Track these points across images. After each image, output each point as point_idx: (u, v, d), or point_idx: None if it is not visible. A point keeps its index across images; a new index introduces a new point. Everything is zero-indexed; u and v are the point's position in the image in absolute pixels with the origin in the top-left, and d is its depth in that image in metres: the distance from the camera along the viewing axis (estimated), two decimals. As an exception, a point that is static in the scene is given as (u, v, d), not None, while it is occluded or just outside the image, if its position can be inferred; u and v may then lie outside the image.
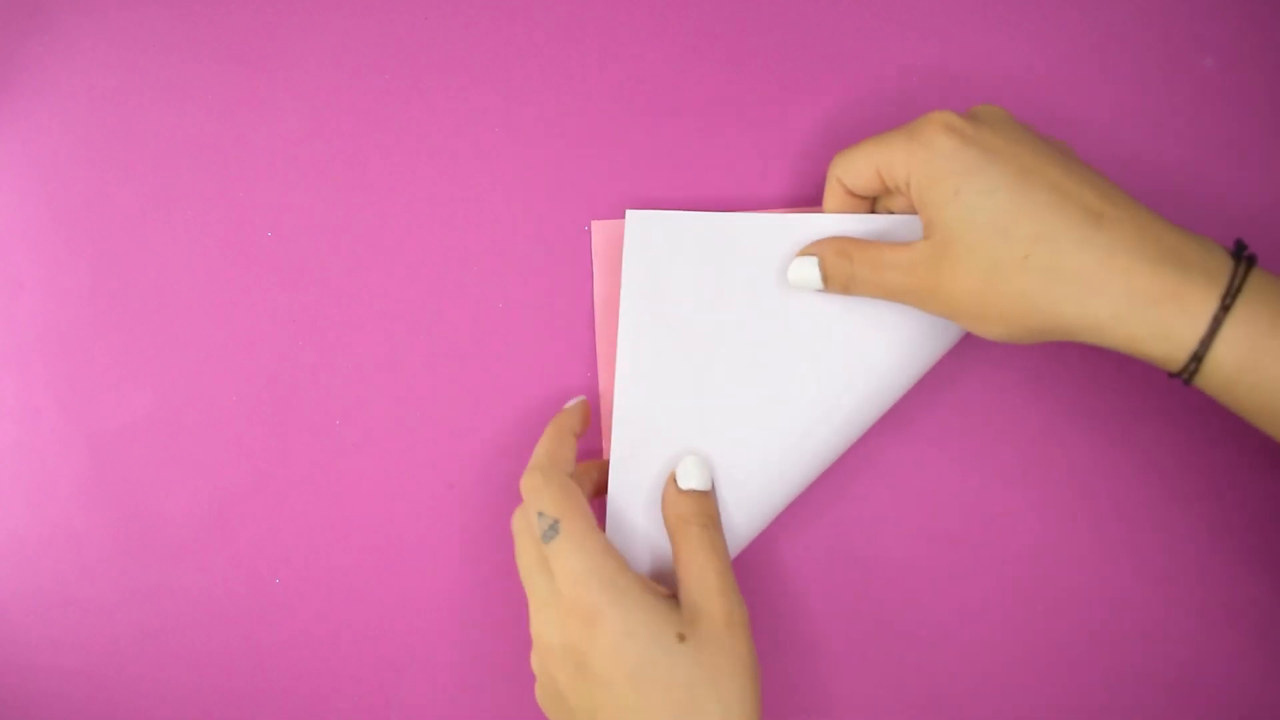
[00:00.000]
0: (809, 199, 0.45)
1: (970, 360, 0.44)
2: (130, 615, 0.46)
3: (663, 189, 0.45)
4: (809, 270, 0.39)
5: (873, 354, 0.42)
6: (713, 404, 0.43)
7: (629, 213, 0.43)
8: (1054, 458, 0.44)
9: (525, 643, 0.45)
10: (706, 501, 0.39)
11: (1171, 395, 0.44)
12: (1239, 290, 0.32)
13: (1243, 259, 0.33)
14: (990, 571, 0.44)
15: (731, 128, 0.45)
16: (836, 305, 0.42)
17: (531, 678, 0.45)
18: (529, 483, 0.38)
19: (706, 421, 0.43)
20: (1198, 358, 0.32)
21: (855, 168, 0.38)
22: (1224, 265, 0.32)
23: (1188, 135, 0.44)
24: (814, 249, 0.39)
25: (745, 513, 0.43)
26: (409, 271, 0.46)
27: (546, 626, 0.36)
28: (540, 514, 0.36)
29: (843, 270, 0.38)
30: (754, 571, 0.44)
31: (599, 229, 0.45)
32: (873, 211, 0.41)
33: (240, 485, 0.46)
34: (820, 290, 0.39)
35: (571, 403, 0.43)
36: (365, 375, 0.46)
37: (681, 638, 0.34)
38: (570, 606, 0.35)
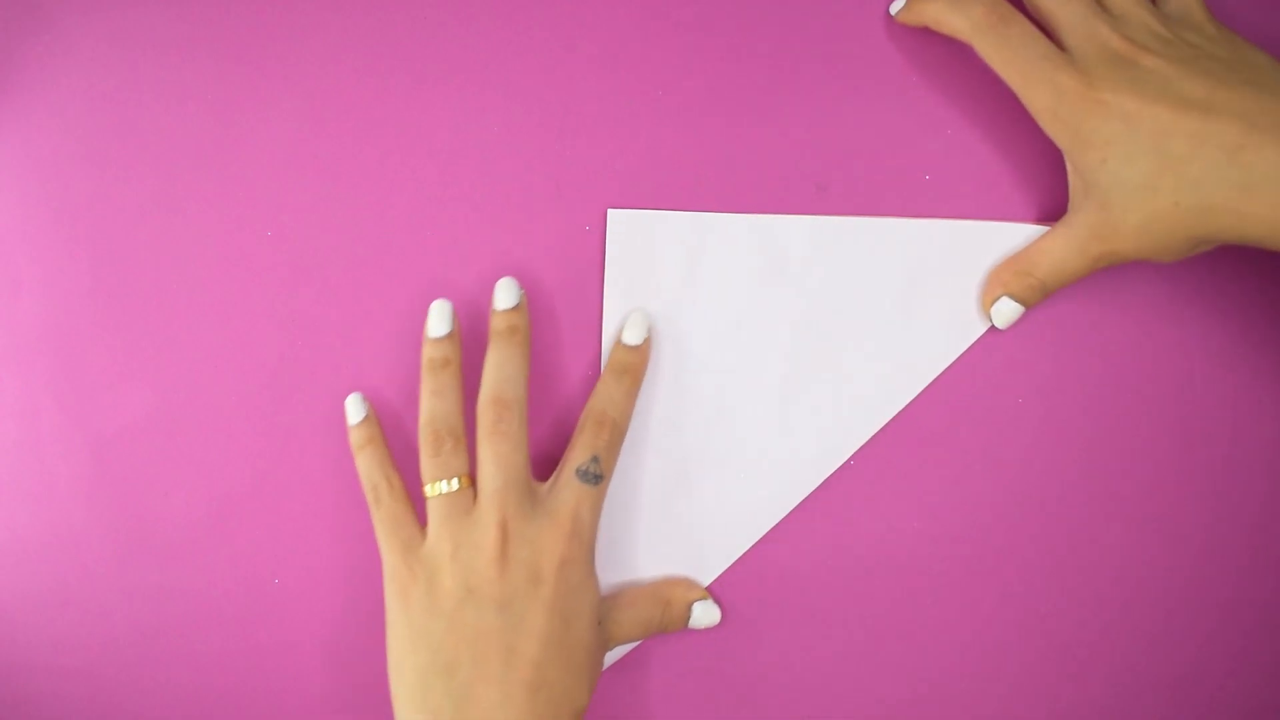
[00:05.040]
0: (809, 197, 0.45)
1: (969, 357, 0.44)
2: (130, 615, 0.46)
3: (663, 189, 0.45)
4: (1008, 306, 0.42)
5: (856, 357, 0.42)
6: (694, 402, 0.43)
7: (611, 212, 0.44)
8: (1052, 458, 0.44)
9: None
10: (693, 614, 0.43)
11: (1172, 396, 0.44)
12: None
13: None
14: (988, 572, 0.44)
15: (732, 127, 0.45)
16: (819, 304, 0.43)
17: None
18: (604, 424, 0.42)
19: (687, 420, 0.43)
20: None
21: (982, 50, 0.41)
22: None
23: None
24: (997, 287, 0.42)
25: (726, 513, 0.43)
26: (409, 271, 0.46)
27: (525, 544, 0.39)
28: (595, 459, 0.41)
29: (1032, 287, 0.41)
30: (748, 572, 0.44)
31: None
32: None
33: (240, 485, 0.46)
34: (1024, 310, 0.42)
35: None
36: (365, 375, 0.46)
37: (599, 624, 0.40)
38: (563, 543, 0.39)
